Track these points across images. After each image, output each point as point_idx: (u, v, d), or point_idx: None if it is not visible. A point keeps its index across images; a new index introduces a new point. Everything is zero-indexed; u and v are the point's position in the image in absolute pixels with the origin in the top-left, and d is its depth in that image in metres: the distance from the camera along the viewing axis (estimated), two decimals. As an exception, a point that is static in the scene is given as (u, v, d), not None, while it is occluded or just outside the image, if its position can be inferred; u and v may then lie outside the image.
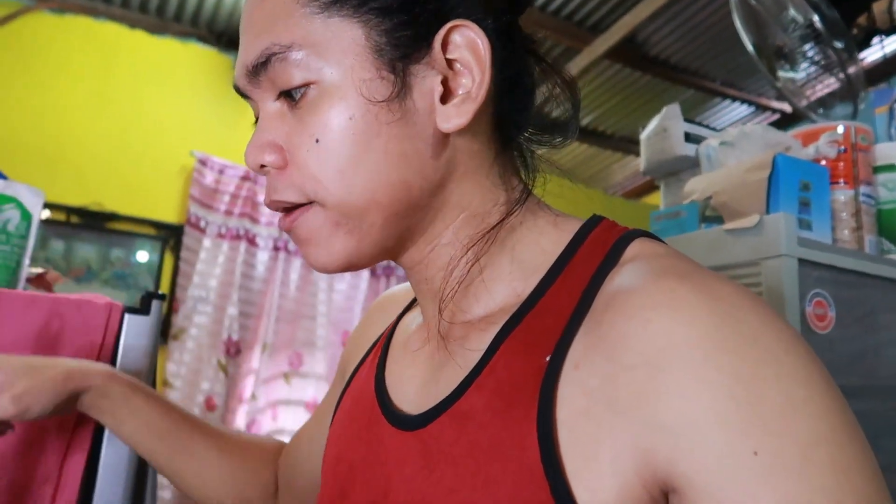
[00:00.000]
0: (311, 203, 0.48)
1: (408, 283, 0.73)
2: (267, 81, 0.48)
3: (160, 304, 1.04)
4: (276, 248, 3.34)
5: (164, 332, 3.00)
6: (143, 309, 1.02)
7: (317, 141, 0.46)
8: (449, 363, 0.51)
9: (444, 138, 0.50)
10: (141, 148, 3.15)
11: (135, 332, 1.01)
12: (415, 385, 0.54)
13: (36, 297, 0.98)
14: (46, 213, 1.23)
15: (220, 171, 3.24)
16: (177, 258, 3.16)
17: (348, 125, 0.46)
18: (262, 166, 0.49)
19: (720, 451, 0.35)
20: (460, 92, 0.49)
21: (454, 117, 0.48)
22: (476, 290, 0.52)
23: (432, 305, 0.55)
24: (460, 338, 0.51)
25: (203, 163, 3.20)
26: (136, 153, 3.14)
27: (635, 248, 0.47)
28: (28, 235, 1.18)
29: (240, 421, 3.19)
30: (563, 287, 0.47)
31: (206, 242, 3.17)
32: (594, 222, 0.52)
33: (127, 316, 1.01)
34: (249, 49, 0.48)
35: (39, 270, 1.36)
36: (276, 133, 0.48)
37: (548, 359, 0.43)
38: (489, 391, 0.45)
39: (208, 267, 3.16)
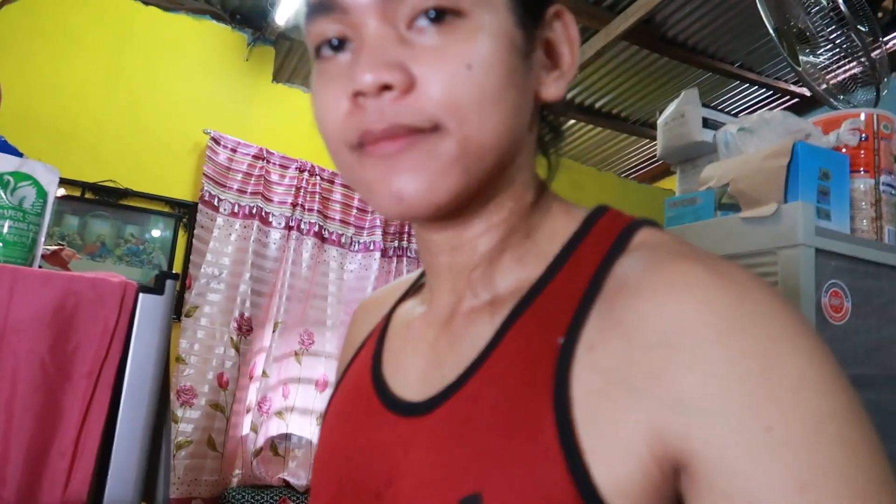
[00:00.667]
0: (434, 130, 0.45)
1: (390, 284, 0.73)
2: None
3: (174, 283, 1.05)
4: (288, 227, 3.35)
5: (178, 309, 3.03)
6: (157, 288, 1.03)
7: (469, 67, 0.44)
8: (455, 347, 0.51)
9: (536, 106, 0.52)
10: (154, 125, 3.16)
11: (149, 311, 1.02)
12: (417, 372, 0.53)
13: (51, 275, 0.99)
14: (62, 191, 1.23)
15: (233, 150, 3.24)
16: (190, 235, 3.18)
17: (501, 61, 0.45)
18: (385, 87, 0.44)
19: (733, 426, 0.36)
20: (556, 67, 0.52)
21: (552, 89, 0.51)
22: (492, 272, 0.52)
23: (448, 282, 0.55)
24: (468, 321, 0.52)
25: (216, 141, 3.20)
26: (150, 130, 3.15)
27: (642, 235, 0.48)
28: (44, 213, 1.19)
29: (251, 398, 3.22)
30: (572, 272, 0.47)
31: (220, 220, 3.18)
32: (601, 211, 0.53)
33: (141, 295, 1.01)
34: None
35: (55, 247, 1.38)
36: (400, 54, 0.45)
37: (561, 341, 0.43)
38: (500, 373, 0.45)
39: (221, 245, 3.17)
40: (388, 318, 0.64)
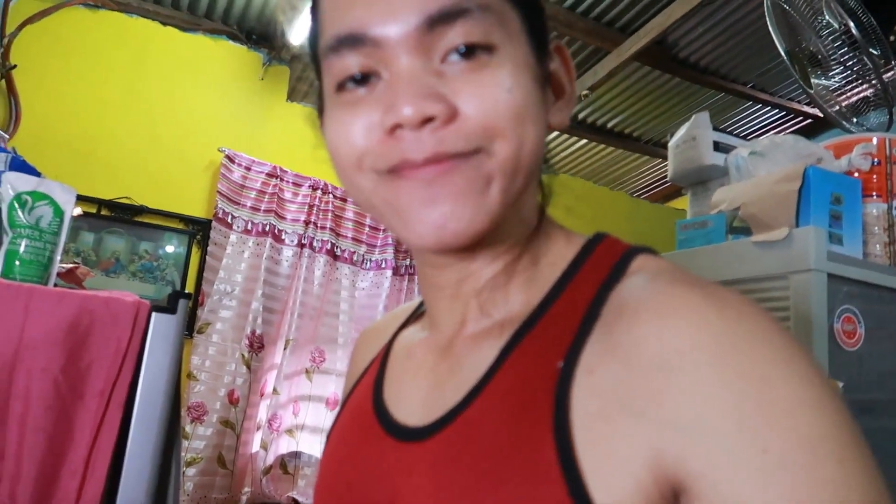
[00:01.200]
0: (476, 152, 0.45)
1: (391, 312, 0.73)
2: (438, 35, 0.45)
3: (186, 303, 1.06)
4: (300, 245, 3.36)
5: (190, 326, 3.04)
6: (169, 308, 1.04)
7: (509, 91, 0.45)
8: (456, 372, 0.52)
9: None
10: (170, 143, 3.19)
11: (161, 330, 1.03)
12: (418, 397, 0.54)
13: (66, 294, 1.00)
14: (78, 210, 1.25)
15: (248, 168, 3.27)
16: (203, 252, 3.20)
17: (529, 87, 0.47)
18: (429, 119, 0.44)
19: (730, 448, 0.37)
20: (560, 98, 0.54)
21: (558, 117, 0.54)
22: (496, 297, 0.53)
23: (450, 309, 0.55)
24: (469, 346, 0.52)
25: (231, 159, 3.23)
26: (166, 148, 3.18)
27: (640, 261, 0.49)
28: (60, 232, 1.21)
29: (261, 415, 3.22)
30: (571, 297, 0.48)
31: (233, 237, 3.20)
32: (600, 238, 0.54)
33: (154, 314, 1.02)
34: None
35: (70, 265, 1.39)
36: (438, 85, 0.45)
37: (560, 364, 0.44)
38: (501, 396, 0.46)
39: (234, 262, 3.19)
40: (389, 345, 0.64)
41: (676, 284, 0.44)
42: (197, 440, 3.02)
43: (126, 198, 3.07)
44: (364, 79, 0.47)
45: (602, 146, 4.04)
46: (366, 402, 0.59)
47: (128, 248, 3.09)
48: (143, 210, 3.10)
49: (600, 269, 0.49)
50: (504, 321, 0.51)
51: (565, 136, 3.94)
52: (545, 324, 0.48)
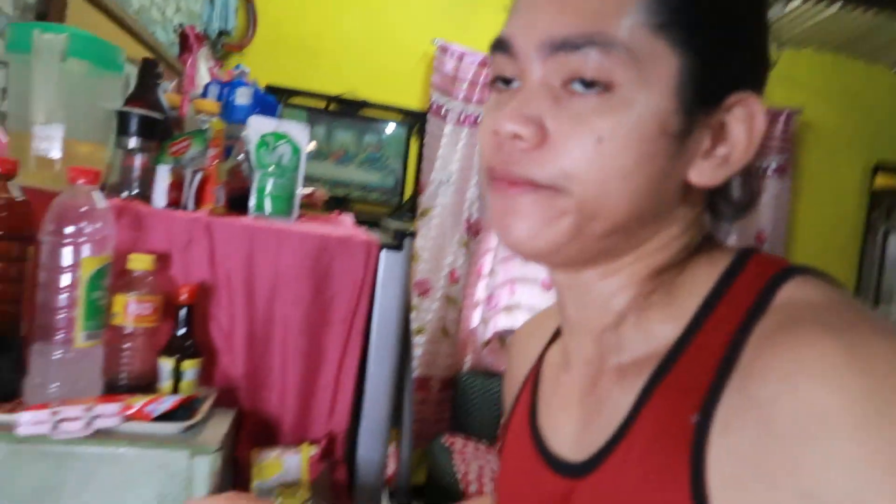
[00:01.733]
0: (551, 188, 0.47)
1: (542, 313, 0.73)
2: (562, 60, 0.46)
3: (411, 240, 1.15)
4: (513, 134, 3.38)
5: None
6: (396, 245, 1.13)
7: (599, 141, 0.45)
8: (601, 411, 0.52)
9: (686, 188, 0.50)
10: (388, 36, 3.28)
11: (391, 266, 1.13)
12: (569, 430, 0.55)
13: (308, 235, 1.12)
14: (312, 145, 1.38)
15: (460, 59, 3.27)
16: (421, 143, 3.34)
17: (636, 143, 0.46)
18: (517, 136, 0.47)
19: None
20: (718, 154, 0.49)
21: (707, 175, 0.49)
22: (629, 330, 0.52)
23: (586, 339, 0.55)
24: (610, 383, 0.52)
25: (443, 50, 3.26)
26: (384, 41, 3.28)
27: (788, 291, 0.45)
28: (298, 167, 1.34)
29: (479, 294, 3.43)
30: (709, 335, 0.46)
31: (447, 128, 3.30)
32: (745, 256, 0.50)
33: (384, 252, 1.12)
34: (563, 21, 0.46)
35: (308, 191, 1.55)
36: (543, 110, 0.47)
37: (695, 419, 0.43)
38: (640, 448, 0.47)
39: (449, 152, 3.30)
40: (539, 366, 0.66)
41: (818, 333, 0.40)
42: (423, 312, 3.33)
43: (349, 92, 3.26)
44: (508, 82, 0.50)
45: (856, 12, 3.36)
46: (524, 427, 0.62)
47: (354, 141, 3.33)
48: (365, 104, 3.28)
49: (742, 300, 0.46)
50: (642, 359, 0.51)
51: (811, 3, 3.34)
52: (681, 367, 0.47)
